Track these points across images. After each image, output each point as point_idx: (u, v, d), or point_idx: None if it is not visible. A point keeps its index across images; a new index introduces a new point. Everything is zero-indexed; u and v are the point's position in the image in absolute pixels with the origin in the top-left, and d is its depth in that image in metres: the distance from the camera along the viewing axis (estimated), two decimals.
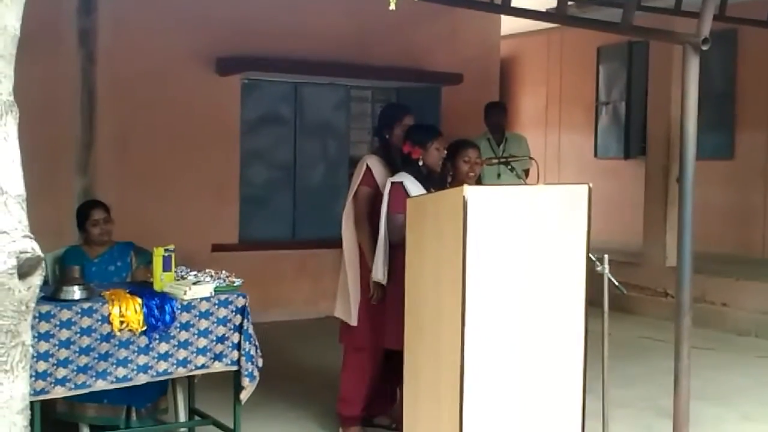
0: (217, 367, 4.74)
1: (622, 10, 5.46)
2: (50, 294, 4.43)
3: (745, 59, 10.23)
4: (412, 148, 5.00)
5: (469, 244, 3.98)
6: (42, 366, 4.24)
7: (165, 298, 4.59)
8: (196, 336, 4.65)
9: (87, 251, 5.33)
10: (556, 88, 13.01)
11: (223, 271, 4.94)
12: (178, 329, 4.59)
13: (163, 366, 4.58)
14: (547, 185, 4.96)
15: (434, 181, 4.98)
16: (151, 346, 4.53)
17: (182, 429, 5.27)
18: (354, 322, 5.20)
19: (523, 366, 4.20)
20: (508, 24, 10.85)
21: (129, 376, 4.49)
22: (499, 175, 7.59)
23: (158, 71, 8.27)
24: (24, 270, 2.46)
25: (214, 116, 8.62)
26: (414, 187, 4.88)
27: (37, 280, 2.54)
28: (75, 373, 4.34)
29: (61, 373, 4.31)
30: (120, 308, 4.43)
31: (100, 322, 4.40)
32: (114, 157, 8.11)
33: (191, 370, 4.70)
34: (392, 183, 4.93)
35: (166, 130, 8.36)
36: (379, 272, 4.94)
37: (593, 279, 4.47)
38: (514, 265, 4.16)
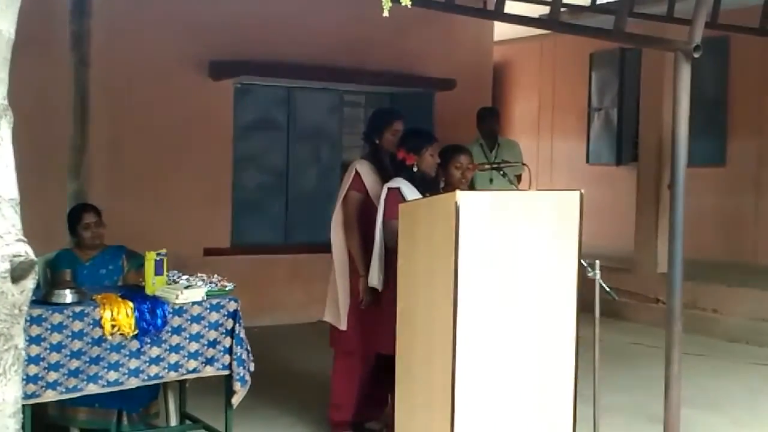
0: (209, 371, 4.73)
1: (614, 17, 5.49)
2: (41, 297, 4.42)
3: (736, 66, 10.27)
4: (407, 155, 4.99)
5: (461, 249, 3.98)
6: (33, 370, 4.23)
7: (157, 302, 4.59)
8: (187, 340, 4.64)
9: (78, 255, 5.32)
10: (549, 94, 13.04)
11: (215, 275, 4.94)
12: (169, 333, 4.59)
13: (154, 370, 4.58)
14: (539, 191, 4.98)
15: (429, 186, 4.98)
16: (142, 350, 4.53)
17: None
18: (343, 327, 5.21)
19: (514, 371, 4.20)
20: (501, 30, 10.88)
21: (120, 380, 4.49)
22: (491, 181, 7.60)
23: (151, 75, 8.27)
24: (17, 273, 2.47)
25: (207, 120, 8.62)
26: (410, 192, 4.88)
27: (30, 283, 2.54)
28: (66, 376, 4.34)
29: (53, 376, 4.30)
30: (112, 312, 4.43)
31: (91, 326, 4.39)
32: (106, 161, 8.11)
33: (183, 375, 4.70)
34: (389, 189, 4.92)
35: (158, 134, 8.36)
36: (375, 278, 4.93)
37: (585, 285, 4.47)
38: (505, 271, 4.17)
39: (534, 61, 13.13)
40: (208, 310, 4.70)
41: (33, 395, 4.24)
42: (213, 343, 4.71)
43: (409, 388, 4.37)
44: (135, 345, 4.50)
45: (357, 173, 5.25)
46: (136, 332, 4.47)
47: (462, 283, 4.00)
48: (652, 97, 9.43)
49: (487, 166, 6.84)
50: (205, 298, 4.70)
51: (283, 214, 9.22)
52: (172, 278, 4.82)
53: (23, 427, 3.03)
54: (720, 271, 9.26)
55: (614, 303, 6.71)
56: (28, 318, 4.14)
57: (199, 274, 4.94)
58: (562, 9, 6.49)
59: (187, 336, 4.64)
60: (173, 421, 5.20)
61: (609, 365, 5.92)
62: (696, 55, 5.04)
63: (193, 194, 8.55)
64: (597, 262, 4.74)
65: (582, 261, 4.43)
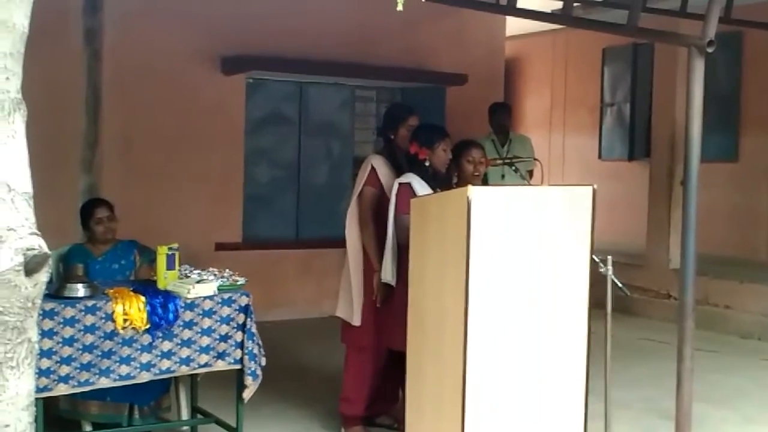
0: (220, 365, 4.74)
1: (627, 12, 5.46)
2: (54, 292, 4.43)
3: (750, 61, 10.22)
4: (419, 149, 4.99)
5: (472, 244, 3.98)
6: (45, 363, 4.25)
7: (168, 296, 4.60)
8: (199, 334, 4.65)
9: (91, 249, 5.34)
10: (561, 90, 13.00)
11: (227, 270, 4.95)
12: (181, 327, 4.60)
13: (166, 364, 4.59)
14: (551, 186, 4.97)
15: (440, 181, 4.97)
16: (154, 344, 4.54)
17: (185, 427, 5.28)
18: (357, 322, 5.20)
19: (525, 366, 4.20)
20: (514, 25, 10.84)
21: (132, 374, 4.50)
22: (503, 176, 7.59)
23: (163, 70, 8.28)
24: (31, 267, 2.48)
25: (218, 115, 8.63)
26: (421, 187, 4.88)
27: (43, 277, 2.55)
28: (78, 370, 4.35)
29: (65, 370, 4.32)
30: (124, 306, 4.44)
31: (103, 320, 4.41)
32: (118, 156, 8.12)
33: (194, 369, 4.71)
34: (400, 184, 4.92)
35: (170, 129, 8.37)
36: (388, 273, 4.93)
37: (597, 280, 4.47)
38: (517, 266, 4.16)
39: (546, 56, 13.09)
40: (219, 305, 4.71)
41: (45, 389, 4.26)
42: (224, 338, 4.72)
43: (419, 383, 4.37)
44: (147, 339, 4.52)
45: (373, 169, 5.24)
46: (148, 326, 4.49)
47: (473, 278, 3.99)
48: (664, 92, 9.39)
49: (499, 162, 6.83)
50: (216, 293, 4.71)
51: (294, 209, 9.22)
52: (183, 273, 4.83)
53: (35, 420, 3.04)
54: (732, 267, 9.22)
55: (626, 298, 6.66)
56: (41, 312, 4.13)
57: (210, 269, 4.95)
58: (575, 4, 6.46)
59: (199, 330, 4.65)
60: (184, 415, 5.22)
61: (620, 361, 5.91)
62: (709, 50, 5.01)
63: (204, 189, 8.56)
64: (609, 257, 4.73)
65: (594, 256, 4.42)
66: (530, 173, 7.61)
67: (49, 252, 2.56)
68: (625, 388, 6.10)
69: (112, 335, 4.43)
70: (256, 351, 4.79)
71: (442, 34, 9.81)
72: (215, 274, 4.87)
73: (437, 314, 4.23)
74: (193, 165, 8.48)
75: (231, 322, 4.73)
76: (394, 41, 9.38)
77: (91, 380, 4.40)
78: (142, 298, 4.51)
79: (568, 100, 12.90)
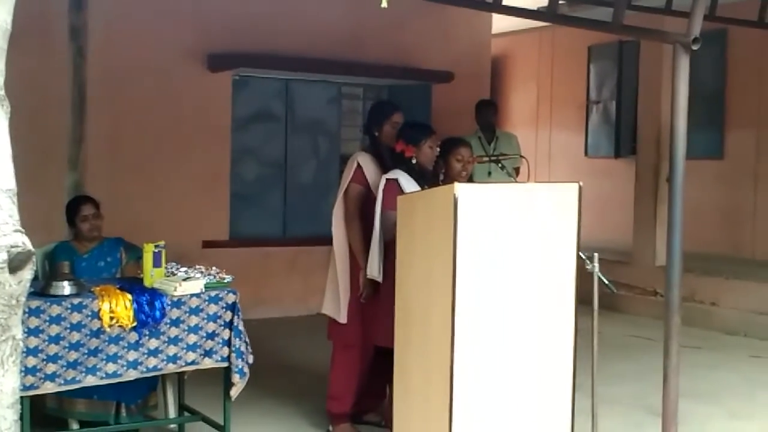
0: (207, 363, 4.73)
1: (613, 9, 5.48)
2: (40, 289, 4.42)
3: (735, 59, 10.26)
4: (405, 147, 4.98)
5: (459, 241, 3.98)
6: (31, 361, 4.23)
7: (155, 294, 4.59)
8: (186, 332, 4.64)
9: (77, 247, 5.32)
10: (547, 87, 13.03)
11: (214, 268, 4.93)
12: (168, 325, 4.59)
13: (153, 362, 4.58)
14: (538, 184, 4.98)
15: (427, 178, 4.97)
16: (141, 342, 4.53)
17: (172, 425, 5.27)
18: (343, 320, 5.20)
19: (512, 363, 4.21)
20: (500, 22, 10.86)
21: (119, 372, 4.49)
22: (489, 174, 7.60)
23: (149, 67, 8.26)
24: (15, 264, 2.47)
25: (205, 112, 8.61)
26: (409, 184, 4.87)
27: (27, 274, 2.54)
28: (64, 368, 4.34)
29: (51, 368, 4.30)
30: (110, 304, 4.43)
31: (89, 318, 4.39)
32: (104, 153, 8.10)
33: (181, 367, 4.69)
34: (387, 179, 4.91)
35: (156, 126, 8.35)
36: (375, 269, 4.92)
37: (583, 277, 4.48)
38: (504, 263, 4.17)
39: (532, 54, 13.11)
40: (206, 302, 4.70)
41: (31, 387, 4.24)
42: (211, 335, 4.71)
43: (406, 380, 4.37)
44: (133, 337, 4.50)
45: (359, 166, 5.23)
46: (134, 324, 4.47)
47: (460, 275, 4.00)
48: (650, 89, 9.43)
49: (485, 159, 6.84)
50: (203, 290, 4.70)
51: (281, 207, 9.22)
52: (170, 270, 4.82)
53: (21, 418, 3.03)
54: (718, 264, 9.27)
55: (613, 295, 6.71)
56: (27, 310, 4.15)
57: (197, 266, 4.94)
58: (561, 1, 6.48)
59: (186, 328, 4.64)
60: (172, 413, 5.21)
61: (607, 357, 5.94)
62: (694, 48, 5.04)
63: (191, 186, 8.55)
64: (595, 254, 4.74)
65: (580, 253, 4.43)
66: (517, 170, 7.63)
67: (33, 249, 2.56)
68: (612, 384, 6.12)
69: (98, 333, 4.41)
70: (243, 348, 4.78)
71: (429, 31, 9.82)
72: (202, 272, 4.85)
73: (424, 311, 4.24)
74: (179, 162, 8.47)
75: (218, 320, 4.72)
76: (381, 39, 9.38)
77: (77, 378, 4.39)
78: (129, 296, 4.50)
79: (554, 98, 12.93)
